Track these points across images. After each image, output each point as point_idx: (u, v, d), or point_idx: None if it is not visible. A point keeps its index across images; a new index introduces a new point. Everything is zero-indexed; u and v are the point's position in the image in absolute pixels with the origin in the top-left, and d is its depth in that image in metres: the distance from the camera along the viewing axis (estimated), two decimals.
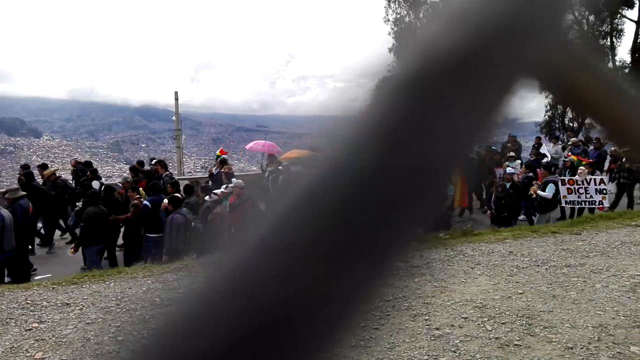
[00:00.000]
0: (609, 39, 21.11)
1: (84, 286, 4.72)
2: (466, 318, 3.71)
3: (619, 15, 20.92)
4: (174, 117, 19.18)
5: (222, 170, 9.36)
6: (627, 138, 0.41)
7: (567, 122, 23.11)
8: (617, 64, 21.01)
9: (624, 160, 9.45)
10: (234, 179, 8.19)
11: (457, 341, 3.32)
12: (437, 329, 3.52)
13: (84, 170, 9.92)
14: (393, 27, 23.68)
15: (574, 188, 8.61)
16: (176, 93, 19.51)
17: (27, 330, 3.73)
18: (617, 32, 21.27)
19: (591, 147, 11.36)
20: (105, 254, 7.08)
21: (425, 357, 3.12)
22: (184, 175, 15.94)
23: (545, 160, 10.69)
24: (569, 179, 8.77)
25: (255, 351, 0.23)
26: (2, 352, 3.37)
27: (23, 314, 4.02)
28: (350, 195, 0.24)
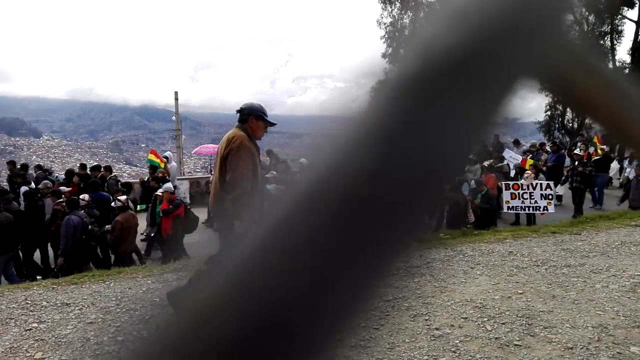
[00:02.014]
0: (609, 39, 21.14)
1: (83, 286, 4.72)
2: (466, 318, 3.71)
3: (619, 15, 20.93)
4: (173, 117, 19.18)
5: (157, 175, 9.02)
6: (626, 138, 0.41)
7: (566, 122, 23.15)
8: (617, 64, 21.03)
9: (576, 164, 9.46)
10: (165, 184, 7.90)
11: (457, 341, 3.32)
12: (437, 329, 3.52)
13: (23, 175, 9.61)
14: (389, 29, 23.69)
15: (519, 193, 8.41)
16: (176, 93, 19.53)
17: (26, 330, 3.72)
18: (617, 33, 21.30)
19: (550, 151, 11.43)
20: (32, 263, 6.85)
21: (425, 357, 3.12)
22: (184, 175, 15.92)
23: (505, 163, 10.64)
24: (514, 184, 8.60)
25: (255, 351, 0.23)
26: (2, 352, 3.36)
27: (23, 314, 4.02)
28: (350, 196, 0.24)
